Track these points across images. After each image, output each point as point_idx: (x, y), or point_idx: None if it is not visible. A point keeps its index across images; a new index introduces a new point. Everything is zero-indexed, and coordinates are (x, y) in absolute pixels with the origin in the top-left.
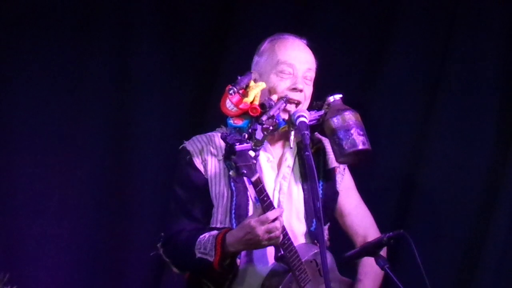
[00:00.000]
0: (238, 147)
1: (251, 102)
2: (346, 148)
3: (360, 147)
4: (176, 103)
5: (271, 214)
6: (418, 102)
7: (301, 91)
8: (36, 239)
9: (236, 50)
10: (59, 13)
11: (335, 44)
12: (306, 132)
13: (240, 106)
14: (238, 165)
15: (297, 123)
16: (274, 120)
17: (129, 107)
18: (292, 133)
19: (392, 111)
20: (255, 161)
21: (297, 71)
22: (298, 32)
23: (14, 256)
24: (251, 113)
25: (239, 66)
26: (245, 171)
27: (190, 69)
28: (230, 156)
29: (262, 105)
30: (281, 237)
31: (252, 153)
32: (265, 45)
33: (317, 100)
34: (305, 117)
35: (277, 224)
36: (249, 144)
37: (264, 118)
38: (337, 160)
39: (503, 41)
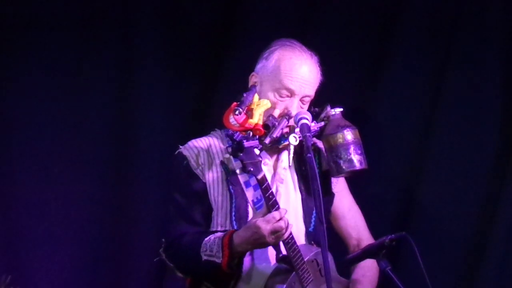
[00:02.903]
0: (247, 143)
1: (256, 123)
2: (343, 167)
3: (357, 167)
4: (179, 104)
5: (277, 214)
6: (420, 106)
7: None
8: (38, 241)
9: (239, 50)
10: (62, 13)
11: (337, 47)
12: (308, 134)
13: (245, 125)
14: (245, 162)
15: (299, 125)
16: (275, 139)
17: (131, 108)
18: (292, 147)
19: (393, 115)
20: (260, 159)
21: (295, 96)
22: (301, 32)
23: (16, 258)
24: (254, 133)
25: (243, 66)
26: (251, 169)
27: (193, 68)
28: (237, 153)
29: (265, 126)
30: (286, 235)
31: (257, 151)
32: (275, 53)
33: (316, 104)
34: (307, 119)
35: (281, 223)
36: (256, 141)
37: (267, 141)
38: (332, 176)
39: (506, 42)
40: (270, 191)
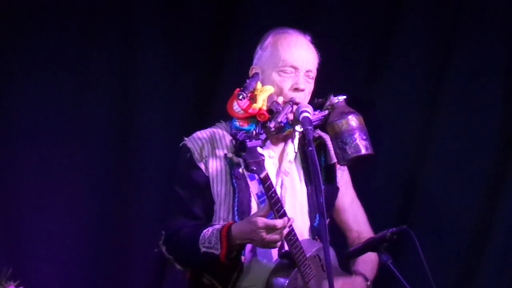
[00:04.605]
0: (249, 143)
1: (260, 108)
2: (349, 153)
3: (363, 152)
4: (179, 98)
5: (279, 223)
6: (421, 99)
7: (302, 90)
8: (38, 234)
9: (239, 44)
10: (62, 9)
11: (338, 40)
12: (309, 127)
13: (249, 111)
14: (248, 161)
15: (300, 118)
16: (280, 124)
17: (132, 103)
18: (297, 134)
19: (394, 109)
20: (263, 157)
21: (299, 70)
22: (302, 27)
23: (16, 251)
24: (258, 118)
25: (243, 60)
26: (254, 168)
27: (193, 63)
28: (240, 153)
29: (269, 111)
30: (287, 233)
31: (260, 150)
32: (269, 40)
33: (319, 97)
34: (308, 112)
35: (277, 237)
36: (259, 141)
37: (271, 124)
38: (338, 163)
39: (506, 38)
40: (273, 189)
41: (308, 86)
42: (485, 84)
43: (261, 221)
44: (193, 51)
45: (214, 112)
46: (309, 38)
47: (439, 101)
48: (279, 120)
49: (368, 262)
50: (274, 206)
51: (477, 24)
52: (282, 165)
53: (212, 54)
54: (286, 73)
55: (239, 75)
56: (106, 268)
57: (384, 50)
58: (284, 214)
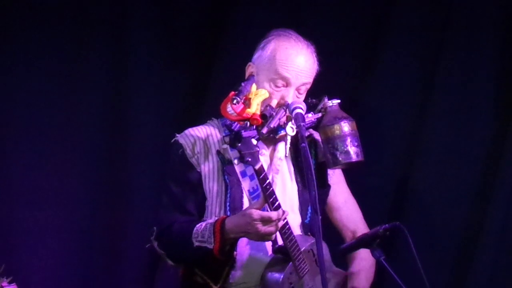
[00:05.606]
0: (245, 133)
1: (253, 113)
2: (340, 159)
3: (354, 159)
4: (172, 95)
5: (274, 215)
6: (413, 97)
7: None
8: (31, 230)
9: (233, 41)
10: (56, 4)
11: (329, 38)
12: (302, 124)
13: (243, 115)
14: (243, 152)
15: (293, 114)
16: (273, 129)
17: (125, 100)
18: (289, 138)
19: (386, 107)
20: (258, 149)
21: (291, 85)
22: (294, 23)
23: (9, 248)
24: (252, 123)
25: (237, 57)
26: (249, 159)
27: (187, 60)
28: (235, 143)
29: (263, 115)
30: (282, 227)
31: (254, 141)
32: (270, 44)
33: (311, 95)
34: (301, 108)
35: (273, 229)
36: (254, 131)
37: (264, 130)
38: (328, 167)
39: (500, 29)
40: (268, 181)
41: (297, 99)
42: (477, 83)
43: (257, 213)
44: (187, 48)
45: (207, 109)
46: (312, 48)
47: (431, 99)
48: (272, 126)
49: (364, 269)
50: (269, 198)
51: (469, 21)
52: (273, 162)
53: (206, 51)
54: (277, 86)
55: (233, 72)
56: (98, 265)
57: (376, 48)
58: (279, 206)
